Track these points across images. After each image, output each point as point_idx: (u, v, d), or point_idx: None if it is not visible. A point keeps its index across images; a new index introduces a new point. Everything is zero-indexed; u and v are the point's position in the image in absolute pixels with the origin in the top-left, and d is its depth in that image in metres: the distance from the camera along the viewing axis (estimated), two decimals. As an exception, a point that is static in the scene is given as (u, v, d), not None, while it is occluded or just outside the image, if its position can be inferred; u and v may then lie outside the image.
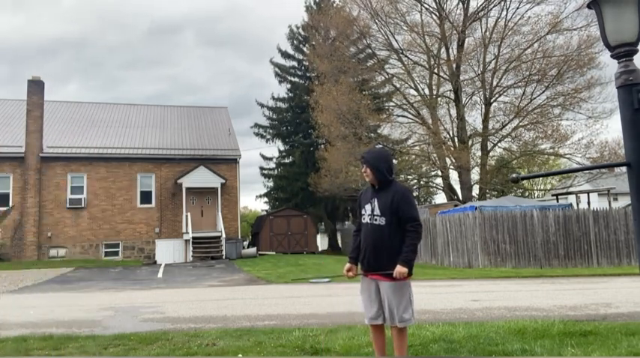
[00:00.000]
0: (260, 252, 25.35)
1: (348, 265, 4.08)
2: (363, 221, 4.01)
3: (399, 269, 3.71)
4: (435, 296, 9.35)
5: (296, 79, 35.46)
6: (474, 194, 25.13)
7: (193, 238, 23.50)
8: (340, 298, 9.41)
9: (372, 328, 4.02)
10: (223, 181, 25.24)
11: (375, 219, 3.87)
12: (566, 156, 24.27)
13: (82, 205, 23.81)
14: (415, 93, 26.54)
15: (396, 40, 25.26)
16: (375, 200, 3.92)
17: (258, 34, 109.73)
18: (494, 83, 24.40)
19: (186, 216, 24.22)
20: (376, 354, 4.05)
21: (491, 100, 24.89)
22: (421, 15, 25.38)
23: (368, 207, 3.96)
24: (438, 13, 24.57)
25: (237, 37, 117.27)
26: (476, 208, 16.57)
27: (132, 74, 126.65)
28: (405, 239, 3.81)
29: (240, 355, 4.79)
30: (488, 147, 25.63)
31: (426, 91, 26.53)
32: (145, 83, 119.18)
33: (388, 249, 3.81)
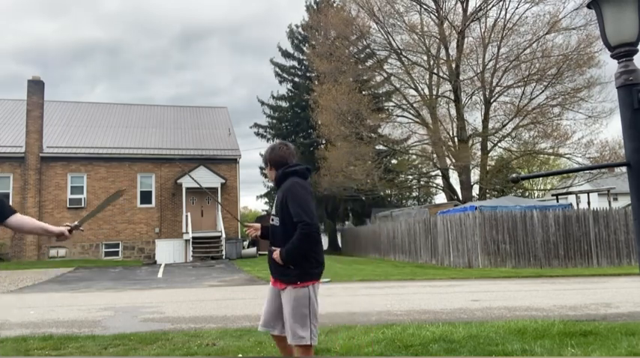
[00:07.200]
0: (260, 252, 25.34)
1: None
2: None
3: (274, 255, 3.31)
4: (435, 296, 9.35)
5: (296, 79, 35.51)
6: (474, 194, 25.14)
7: (193, 238, 23.49)
8: (340, 298, 9.41)
9: (273, 338, 3.60)
10: (223, 181, 25.23)
11: (272, 219, 3.47)
12: (566, 155, 24.30)
13: (82, 205, 23.80)
14: (415, 93, 26.61)
15: (395, 40, 25.31)
16: (276, 198, 3.53)
17: (278, 38, 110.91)
18: (494, 83, 24.41)
19: (186, 216, 24.21)
20: None
21: (491, 100, 24.90)
22: (420, 15, 25.44)
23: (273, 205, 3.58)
24: (436, 13, 24.59)
25: (260, 42, 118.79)
26: (476, 208, 16.56)
27: (158, 78, 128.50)
28: None
29: (240, 355, 4.79)
30: (488, 147, 25.65)
31: (426, 91, 26.55)
32: (169, 86, 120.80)
33: None
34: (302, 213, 3.22)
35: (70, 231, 3.04)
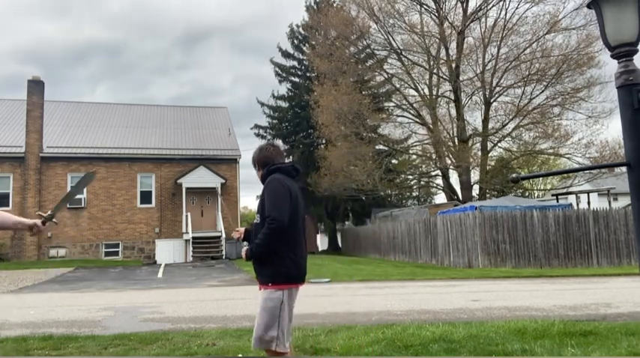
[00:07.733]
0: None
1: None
2: None
3: (243, 251, 3.32)
4: (435, 296, 9.35)
5: (296, 79, 35.47)
6: (474, 194, 25.13)
7: (193, 238, 23.49)
8: (340, 298, 9.41)
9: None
10: (223, 181, 25.24)
11: (256, 218, 3.43)
12: (566, 156, 24.28)
13: (82, 205, 23.80)
14: (415, 93, 26.59)
15: (395, 41, 25.30)
16: None
17: (278, 39, 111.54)
18: (494, 83, 24.39)
19: (186, 216, 24.21)
20: None
21: (491, 100, 24.89)
22: (420, 15, 25.44)
23: None
24: (436, 13, 24.58)
25: (261, 42, 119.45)
26: (476, 208, 16.56)
27: (160, 78, 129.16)
28: None
29: (240, 355, 4.79)
30: (489, 147, 25.64)
31: (426, 91, 26.54)
32: (170, 87, 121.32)
33: None
34: (272, 208, 3.13)
35: (43, 223, 2.99)
